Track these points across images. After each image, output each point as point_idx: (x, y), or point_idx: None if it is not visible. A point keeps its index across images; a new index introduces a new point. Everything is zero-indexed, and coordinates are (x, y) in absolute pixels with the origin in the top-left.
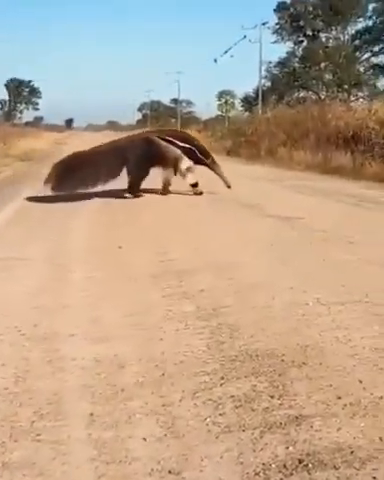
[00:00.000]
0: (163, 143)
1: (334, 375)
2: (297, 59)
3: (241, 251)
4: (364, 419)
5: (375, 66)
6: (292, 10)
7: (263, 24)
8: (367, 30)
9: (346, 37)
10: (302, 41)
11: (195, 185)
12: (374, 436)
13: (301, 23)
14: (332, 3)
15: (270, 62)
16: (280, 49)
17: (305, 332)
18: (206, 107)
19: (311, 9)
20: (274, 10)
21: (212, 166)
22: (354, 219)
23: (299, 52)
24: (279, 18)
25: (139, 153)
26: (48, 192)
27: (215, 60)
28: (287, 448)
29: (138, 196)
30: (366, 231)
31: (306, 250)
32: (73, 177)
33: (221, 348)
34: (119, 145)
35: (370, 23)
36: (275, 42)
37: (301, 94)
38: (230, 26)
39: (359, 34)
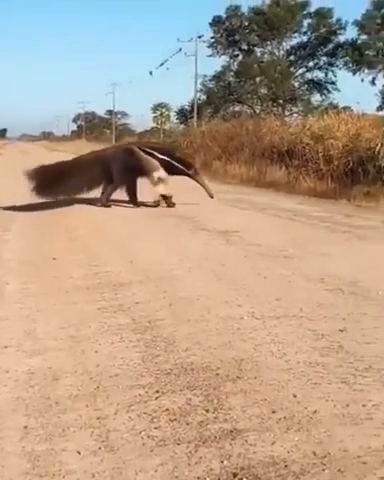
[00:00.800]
0: (144, 155)
1: (269, 389)
2: (232, 73)
3: (176, 264)
4: (298, 433)
5: (310, 81)
6: (227, 24)
7: (199, 37)
8: (302, 46)
9: (281, 52)
10: (237, 55)
11: (165, 196)
12: (308, 450)
13: (236, 37)
14: (267, 18)
15: (205, 76)
16: (216, 63)
17: (240, 346)
18: (141, 119)
19: (246, 23)
20: (210, 24)
21: (194, 177)
22: (289, 233)
23: (234, 66)
24: (214, 32)
25: (121, 164)
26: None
27: (150, 72)
28: (222, 462)
29: (107, 206)
30: (300, 245)
31: (241, 264)
32: (57, 185)
33: (156, 361)
34: (102, 155)
35: (305, 39)
36: (210, 56)
37: (236, 108)
38: (166, 39)
39: (294, 49)
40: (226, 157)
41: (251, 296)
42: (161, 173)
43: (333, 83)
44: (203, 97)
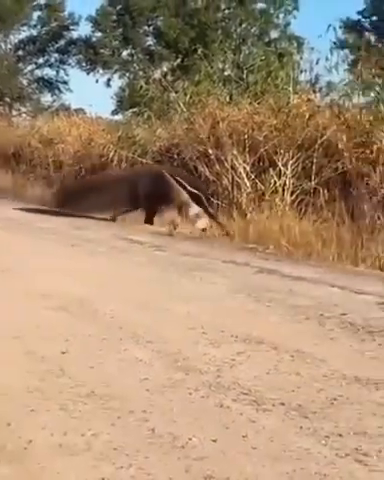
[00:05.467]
0: (174, 183)
1: None
2: None
3: None
4: (10, 466)
5: (39, 79)
6: None
7: None
8: (31, 40)
9: (8, 46)
10: None
11: (204, 230)
12: None
13: None
14: None
15: None
16: None
17: None
18: None
19: None
20: None
21: (214, 215)
22: (9, 246)
23: None
24: None
25: (150, 188)
26: None
27: None
28: None
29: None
30: (22, 259)
31: None
32: (81, 200)
33: None
34: (131, 176)
35: (35, 33)
36: None
37: None
38: None
39: (23, 44)
40: None
41: None
42: (196, 209)
43: (65, 82)
44: None
